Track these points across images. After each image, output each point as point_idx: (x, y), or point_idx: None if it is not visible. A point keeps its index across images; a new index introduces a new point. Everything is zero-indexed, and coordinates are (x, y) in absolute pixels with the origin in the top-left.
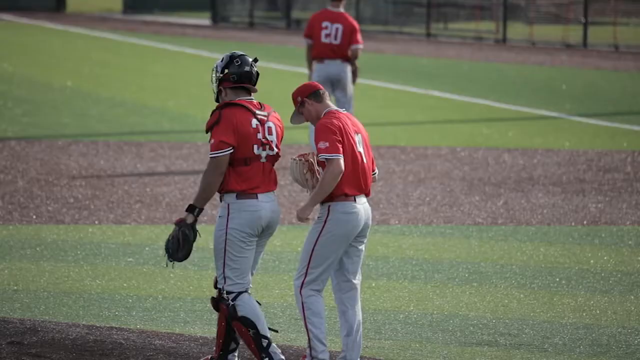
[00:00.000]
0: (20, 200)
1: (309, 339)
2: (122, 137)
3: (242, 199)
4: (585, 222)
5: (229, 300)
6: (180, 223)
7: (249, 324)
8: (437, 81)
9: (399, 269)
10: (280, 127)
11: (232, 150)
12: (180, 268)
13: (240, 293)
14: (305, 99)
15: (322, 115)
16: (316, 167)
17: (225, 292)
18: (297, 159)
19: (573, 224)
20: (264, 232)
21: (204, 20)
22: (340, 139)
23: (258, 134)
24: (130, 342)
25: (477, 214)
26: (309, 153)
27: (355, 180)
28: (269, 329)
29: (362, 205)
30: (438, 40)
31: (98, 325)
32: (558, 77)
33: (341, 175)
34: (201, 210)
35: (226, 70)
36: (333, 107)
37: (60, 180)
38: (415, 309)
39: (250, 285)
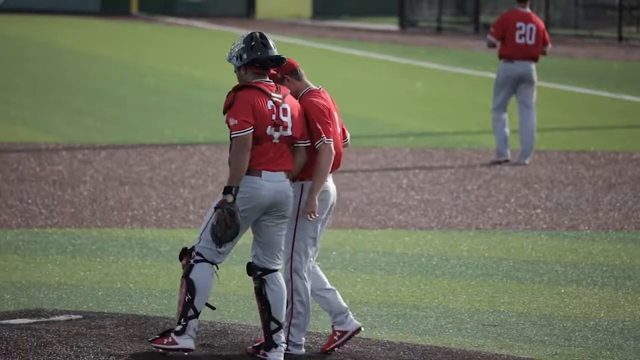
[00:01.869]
0: (211, 204)
1: (290, 324)
2: None
3: (247, 175)
4: None
5: (192, 260)
6: (222, 205)
7: (191, 289)
8: (629, 86)
9: (588, 275)
10: (298, 109)
11: (253, 129)
12: (367, 272)
13: (206, 261)
14: (287, 75)
15: (301, 93)
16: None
17: (195, 251)
18: None
19: None
20: (272, 212)
21: (392, 25)
22: (330, 121)
23: (273, 115)
24: (318, 346)
25: None
26: None
27: (334, 160)
28: (207, 304)
29: (331, 183)
30: (630, 44)
31: None
32: None
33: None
34: (238, 189)
35: (254, 55)
36: (312, 85)
37: None
38: (605, 316)
39: (219, 262)
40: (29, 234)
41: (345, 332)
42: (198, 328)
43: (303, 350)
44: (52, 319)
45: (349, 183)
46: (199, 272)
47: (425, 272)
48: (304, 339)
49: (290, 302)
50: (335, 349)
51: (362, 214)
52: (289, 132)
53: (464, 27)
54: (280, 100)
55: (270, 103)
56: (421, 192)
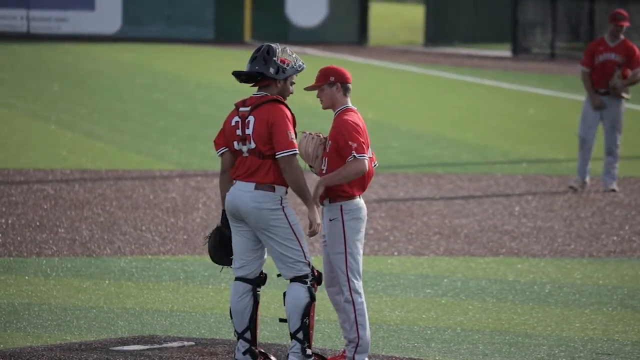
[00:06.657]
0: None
1: (358, 339)
2: (421, 169)
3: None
4: None
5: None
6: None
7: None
8: None
9: None
10: (264, 119)
11: (225, 150)
12: (479, 300)
13: (236, 279)
14: (337, 83)
15: (337, 106)
16: (324, 150)
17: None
18: (314, 135)
19: None
20: (243, 220)
21: (505, 51)
22: (363, 139)
23: (237, 131)
24: None
25: None
26: (321, 134)
27: (365, 182)
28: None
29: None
30: None
31: (397, 356)
32: None
33: (363, 174)
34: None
35: None
36: (351, 105)
37: None
38: None
39: (242, 273)
40: (143, 261)
41: None
42: (244, 347)
43: None
44: (164, 345)
45: (461, 210)
46: (231, 296)
47: (537, 300)
48: (366, 359)
49: (355, 322)
50: None
51: (474, 241)
52: (252, 145)
53: (578, 53)
54: (246, 113)
55: (235, 118)
56: (534, 219)
